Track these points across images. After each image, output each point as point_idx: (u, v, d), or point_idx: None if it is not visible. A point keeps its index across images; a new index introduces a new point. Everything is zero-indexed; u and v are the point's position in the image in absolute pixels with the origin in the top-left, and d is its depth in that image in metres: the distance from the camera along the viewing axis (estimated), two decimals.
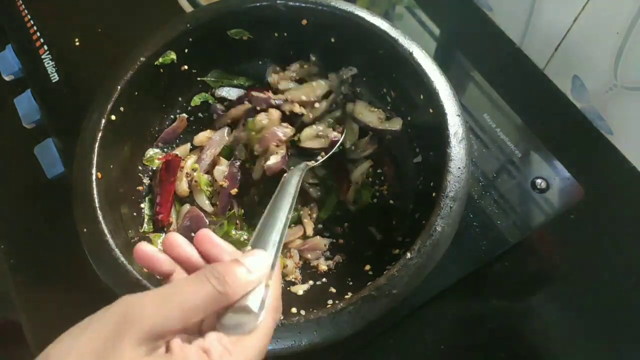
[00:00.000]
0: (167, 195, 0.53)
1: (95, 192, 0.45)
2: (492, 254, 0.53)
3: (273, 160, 0.52)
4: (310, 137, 0.55)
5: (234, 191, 0.53)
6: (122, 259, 0.43)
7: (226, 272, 0.29)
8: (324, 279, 0.51)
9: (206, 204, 0.53)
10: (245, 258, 0.31)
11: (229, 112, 0.58)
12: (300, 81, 0.59)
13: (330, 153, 0.53)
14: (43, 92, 0.66)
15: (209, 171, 0.56)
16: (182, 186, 0.54)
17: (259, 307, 0.30)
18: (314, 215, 0.54)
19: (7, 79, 0.70)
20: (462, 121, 0.46)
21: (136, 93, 0.51)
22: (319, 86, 0.57)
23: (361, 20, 0.51)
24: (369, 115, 0.56)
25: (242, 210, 0.53)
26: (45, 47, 0.69)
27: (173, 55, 0.54)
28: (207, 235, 0.33)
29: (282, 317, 0.41)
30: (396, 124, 0.56)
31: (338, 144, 0.54)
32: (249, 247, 0.33)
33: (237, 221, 0.52)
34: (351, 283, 0.48)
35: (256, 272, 0.31)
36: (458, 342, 0.52)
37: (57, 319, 0.58)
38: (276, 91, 0.58)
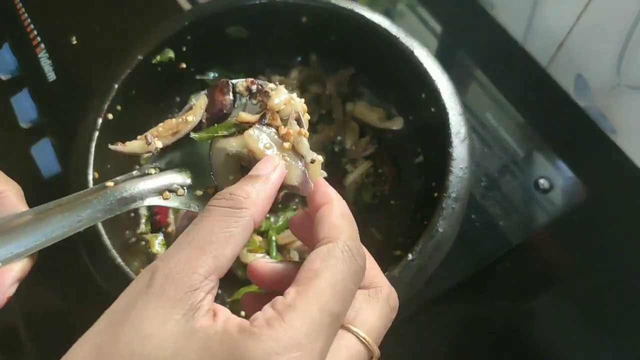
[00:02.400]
0: None
1: None
2: (494, 255, 0.53)
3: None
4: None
5: None
6: (119, 259, 0.42)
7: (232, 189, 0.28)
8: None
9: None
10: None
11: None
12: (301, 88, 0.59)
13: None
14: (40, 91, 0.66)
15: None
16: None
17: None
18: None
19: (3, 78, 0.69)
20: (464, 120, 0.46)
21: (133, 92, 0.51)
22: None
23: (361, 18, 0.51)
24: (370, 114, 0.56)
25: None
26: (42, 46, 0.68)
27: (171, 54, 0.53)
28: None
29: None
30: (397, 123, 0.55)
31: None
32: None
33: None
34: None
35: (264, 169, 0.29)
36: (460, 343, 0.52)
37: (54, 319, 0.58)
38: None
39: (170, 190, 0.37)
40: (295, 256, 0.52)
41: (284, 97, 0.38)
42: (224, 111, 0.39)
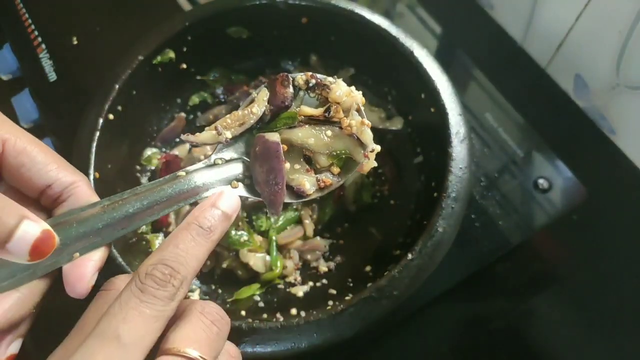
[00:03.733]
0: None
1: None
2: (493, 255, 0.53)
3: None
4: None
5: None
6: (120, 259, 0.42)
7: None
8: (324, 280, 0.51)
9: None
10: None
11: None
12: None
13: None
14: (41, 91, 0.66)
15: None
16: None
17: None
18: (315, 216, 0.54)
19: (4, 78, 0.69)
20: (463, 120, 0.46)
21: (134, 92, 0.51)
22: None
23: (361, 18, 0.51)
24: (369, 114, 0.56)
25: (245, 213, 0.53)
26: (43, 46, 0.68)
27: (172, 54, 0.53)
28: None
29: (282, 319, 0.41)
30: (397, 124, 0.55)
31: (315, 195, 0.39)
32: None
33: (239, 222, 0.52)
34: (351, 284, 0.48)
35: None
36: (460, 344, 0.52)
37: (55, 319, 0.58)
38: None
39: (238, 180, 0.37)
40: (295, 256, 0.52)
41: (345, 90, 0.38)
42: (285, 103, 0.39)
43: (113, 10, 0.71)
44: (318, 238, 0.53)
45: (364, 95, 0.60)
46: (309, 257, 0.52)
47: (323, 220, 0.54)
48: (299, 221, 0.54)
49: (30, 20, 0.70)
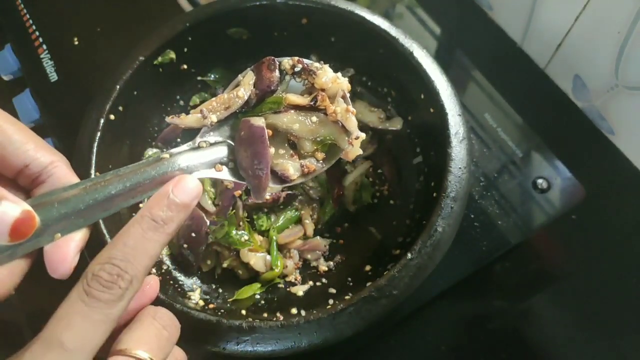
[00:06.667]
0: None
1: None
2: (493, 255, 0.53)
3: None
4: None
5: (237, 193, 0.53)
6: None
7: None
8: (324, 280, 0.51)
9: (208, 204, 0.53)
10: None
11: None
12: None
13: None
14: (42, 91, 0.66)
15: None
16: None
17: None
18: (315, 216, 0.54)
19: (6, 78, 0.69)
20: (463, 121, 0.46)
21: (135, 92, 0.51)
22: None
23: (361, 19, 0.51)
24: (369, 114, 0.56)
25: (245, 213, 0.53)
26: (44, 47, 0.68)
27: (172, 55, 0.53)
28: None
29: (282, 318, 0.41)
30: (396, 124, 0.55)
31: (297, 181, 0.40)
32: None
33: (240, 222, 0.52)
34: (351, 284, 0.48)
35: None
36: (459, 343, 0.52)
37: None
38: None
39: (222, 163, 0.37)
40: (295, 256, 0.52)
41: (331, 76, 0.38)
42: (272, 87, 0.39)
43: (114, 11, 0.71)
44: (318, 238, 0.53)
45: (364, 95, 0.61)
46: (309, 256, 0.52)
47: (323, 220, 0.54)
48: (299, 221, 0.54)
49: (31, 21, 0.70)
